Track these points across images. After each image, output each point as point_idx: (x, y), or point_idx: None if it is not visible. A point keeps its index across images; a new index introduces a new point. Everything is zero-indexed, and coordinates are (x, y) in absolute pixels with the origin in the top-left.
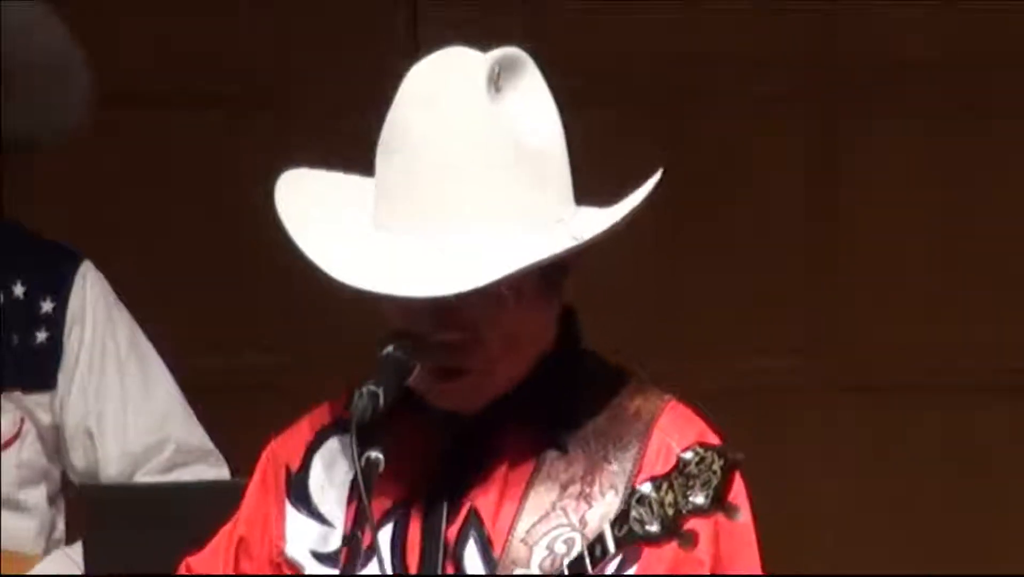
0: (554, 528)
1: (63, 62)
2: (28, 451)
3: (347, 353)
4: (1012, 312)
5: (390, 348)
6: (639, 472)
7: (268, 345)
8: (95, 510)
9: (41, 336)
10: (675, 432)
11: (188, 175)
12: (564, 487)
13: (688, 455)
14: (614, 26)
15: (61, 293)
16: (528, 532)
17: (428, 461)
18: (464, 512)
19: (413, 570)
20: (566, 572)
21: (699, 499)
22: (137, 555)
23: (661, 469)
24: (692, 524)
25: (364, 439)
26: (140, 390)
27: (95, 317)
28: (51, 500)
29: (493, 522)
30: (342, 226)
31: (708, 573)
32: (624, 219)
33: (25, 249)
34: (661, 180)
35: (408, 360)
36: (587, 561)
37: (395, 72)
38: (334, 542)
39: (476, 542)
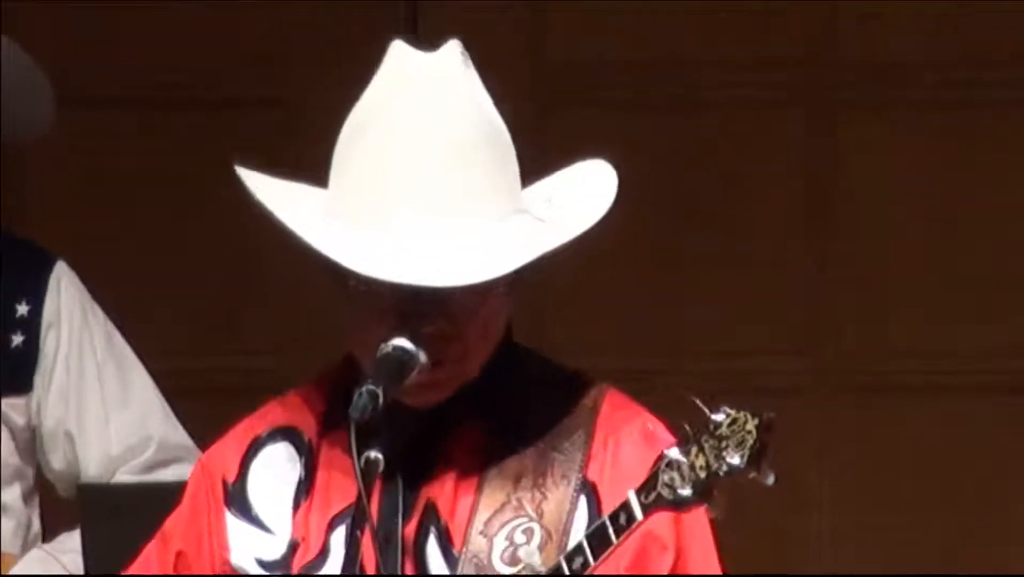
0: (511, 519)
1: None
2: (2, 453)
3: (339, 353)
4: (1012, 312)
5: (389, 347)
6: (588, 460)
7: (260, 346)
8: (93, 510)
9: (17, 339)
10: (618, 418)
11: (187, 175)
12: (517, 479)
13: (719, 417)
14: (614, 27)
15: (36, 296)
16: (486, 524)
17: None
18: (421, 507)
19: (370, 571)
20: (584, 543)
21: (735, 459)
22: (134, 552)
23: (611, 455)
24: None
25: (363, 439)
26: (119, 390)
27: (71, 319)
28: (25, 499)
29: (451, 516)
30: (333, 220)
31: (672, 558)
32: (600, 217)
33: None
34: (660, 180)
35: (408, 358)
36: (610, 530)
37: None
38: (278, 549)
39: (436, 537)
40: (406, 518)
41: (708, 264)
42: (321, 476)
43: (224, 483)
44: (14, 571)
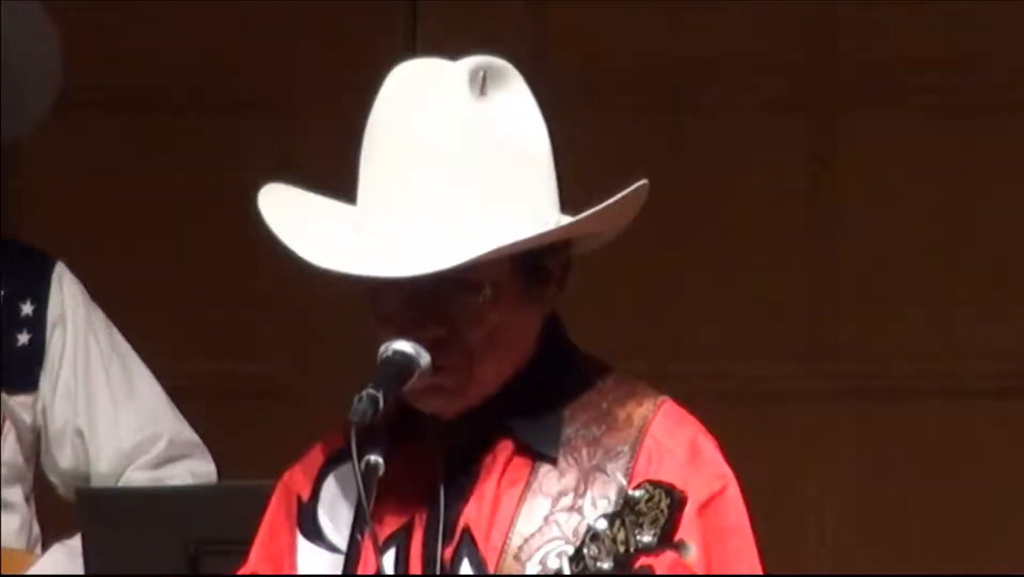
0: (547, 542)
1: (45, 54)
2: (9, 451)
3: (343, 358)
4: (1012, 314)
5: (389, 351)
6: (632, 479)
7: (265, 350)
8: (91, 515)
9: (23, 338)
10: (667, 433)
11: (187, 176)
12: (556, 499)
13: (638, 493)
14: (614, 28)
15: (40, 295)
16: (521, 548)
17: (424, 481)
18: (458, 532)
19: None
20: None
21: (647, 537)
22: (133, 557)
23: (653, 474)
24: (681, 535)
25: (363, 443)
26: (126, 388)
27: (76, 318)
28: (27, 500)
29: (486, 539)
30: (322, 221)
31: None
32: (597, 214)
33: (1, 253)
34: (661, 182)
35: (408, 363)
36: None
37: None
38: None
39: (470, 563)
40: (445, 542)
41: (707, 266)
42: (378, 497)
43: (299, 502)
44: (40, 563)
